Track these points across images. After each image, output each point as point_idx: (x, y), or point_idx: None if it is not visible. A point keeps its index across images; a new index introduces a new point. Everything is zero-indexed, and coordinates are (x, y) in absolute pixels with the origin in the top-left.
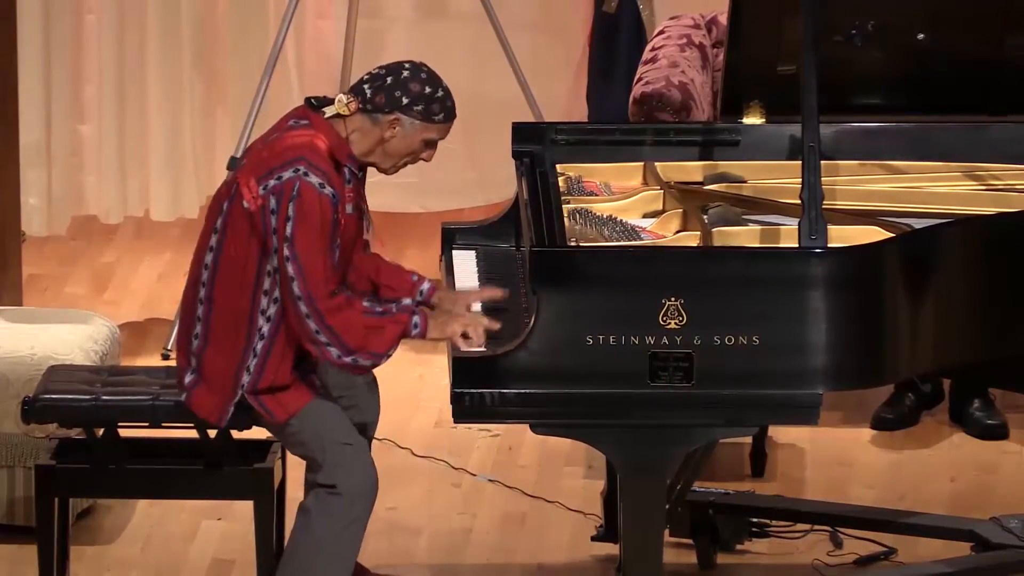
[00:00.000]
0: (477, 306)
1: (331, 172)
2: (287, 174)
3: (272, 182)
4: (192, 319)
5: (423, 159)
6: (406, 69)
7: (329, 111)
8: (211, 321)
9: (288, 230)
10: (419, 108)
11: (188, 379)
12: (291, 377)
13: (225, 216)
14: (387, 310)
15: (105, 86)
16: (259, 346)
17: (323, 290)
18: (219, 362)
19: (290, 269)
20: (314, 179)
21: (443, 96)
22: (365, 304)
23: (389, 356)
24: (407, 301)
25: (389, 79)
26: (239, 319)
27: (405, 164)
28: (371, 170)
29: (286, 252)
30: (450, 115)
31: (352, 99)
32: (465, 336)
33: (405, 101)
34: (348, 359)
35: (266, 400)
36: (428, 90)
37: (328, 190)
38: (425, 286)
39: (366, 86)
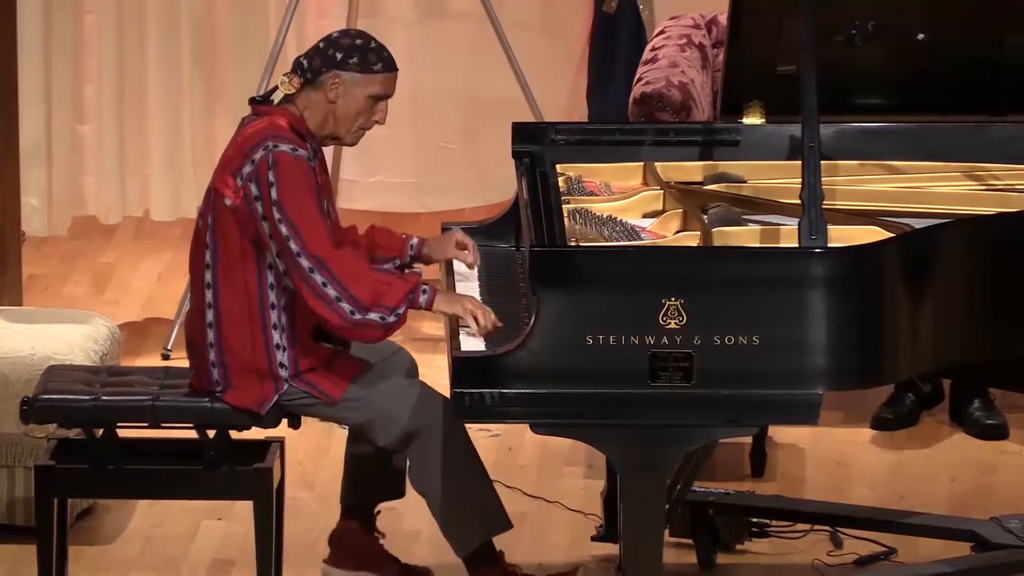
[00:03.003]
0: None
1: (298, 142)
2: (258, 154)
3: (247, 168)
4: (204, 339)
5: (376, 121)
6: (336, 32)
7: (276, 96)
8: (223, 333)
9: (274, 195)
10: (354, 60)
11: (218, 391)
12: (328, 351)
13: (213, 227)
14: (392, 270)
15: (105, 86)
16: (283, 337)
17: (322, 241)
18: (243, 369)
19: (284, 230)
20: (285, 147)
21: (377, 47)
22: (372, 264)
23: (399, 316)
24: (416, 268)
25: (321, 44)
26: (252, 322)
27: (361, 128)
28: (374, 171)
29: (276, 215)
30: (388, 65)
31: (293, 76)
32: (475, 320)
33: (339, 56)
34: (359, 315)
35: (316, 380)
36: (359, 42)
37: (301, 153)
38: (415, 240)
39: (302, 59)
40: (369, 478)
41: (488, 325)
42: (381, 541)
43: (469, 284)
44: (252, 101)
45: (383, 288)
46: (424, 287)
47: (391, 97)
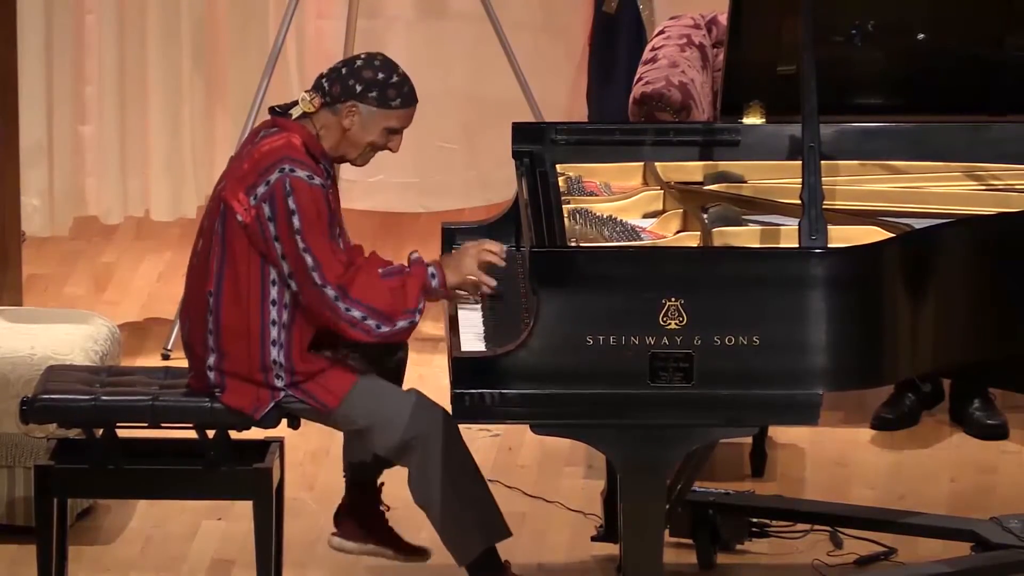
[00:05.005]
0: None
1: (313, 166)
2: (274, 176)
3: (261, 188)
4: (203, 343)
5: (390, 149)
6: (360, 58)
7: (295, 112)
8: (222, 341)
9: (296, 225)
10: (374, 95)
11: (216, 392)
12: (325, 360)
13: (223, 238)
14: (400, 269)
15: (105, 86)
16: (281, 353)
17: (339, 269)
18: (240, 377)
19: (309, 261)
20: (301, 173)
21: (398, 82)
22: (379, 270)
23: (421, 311)
24: (415, 255)
25: (344, 69)
26: (251, 335)
27: (373, 153)
28: (374, 171)
29: (300, 245)
30: (408, 100)
31: (314, 95)
32: (483, 273)
33: (359, 88)
34: (387, 327)
35: (312, 389)
36: (381, 76)
37: (317, 180)
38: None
39: (324, 80)
40: (367, 449)
41: (500, 260)
42: (387, 515)
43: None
44: (272, 111)
45: (399, 294)
46: (431, 270)
47: (407, 127)
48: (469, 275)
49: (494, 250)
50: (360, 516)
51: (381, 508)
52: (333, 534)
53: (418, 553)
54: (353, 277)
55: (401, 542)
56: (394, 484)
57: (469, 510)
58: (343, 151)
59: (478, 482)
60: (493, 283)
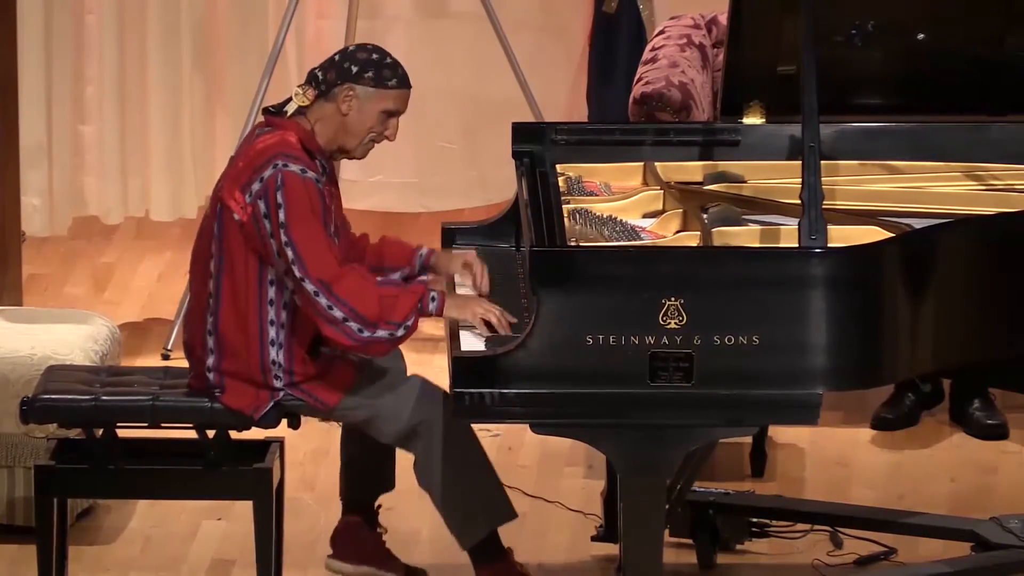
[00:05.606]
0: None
1: (307, 161)
2: (267, 172)
3: (256, 186)
4: (203, 344)
5: (387, 137)
6: (352, 46)
7: (290, 108)
8: (221, 341)
9: (281, 217)
10: (369, 75)
11: (216, 392)
12: (325, 359)
13: (220, 238)
14: (398, 283)
15: (105, 86)
16: (280, 353)
17: (326, 264)
18: (239, 377)
19: (290, 254)
20: (294, 167)
21: (392, 63)
22: (378, 278)
23: (409, 328)
24: (421, 277)
25: (337, 57)
26: (250, 335)
27: (371, 143)
28: (374, 171)
29: (284, 238)
30: (403, 82)
31: (308, 88)
32: (487, 324)
33: (355, 70)
34: (368, 333)
35: (312, 388)
36: (376, 57)
37: (310, 174)
38: (424, 251)
39: (317, 71)
40: (362, 472)
41: (501, 327)
42: (384, 537)
43: (469, 285)
44: (266, 111)
45: (389, 303)
46: (432, 293)
47: (403, 113)
48: (470, 318)
49: (496, 315)
50: (357, 539)
51: (378, 531)
52: (329, 556)
53: (416, 575)
54: (342, 275)
55: (399, 564)
56: (396, 481)
57: (474, 493)
58: (342, 141)
59: (483, 465)
60: (486, 333)
